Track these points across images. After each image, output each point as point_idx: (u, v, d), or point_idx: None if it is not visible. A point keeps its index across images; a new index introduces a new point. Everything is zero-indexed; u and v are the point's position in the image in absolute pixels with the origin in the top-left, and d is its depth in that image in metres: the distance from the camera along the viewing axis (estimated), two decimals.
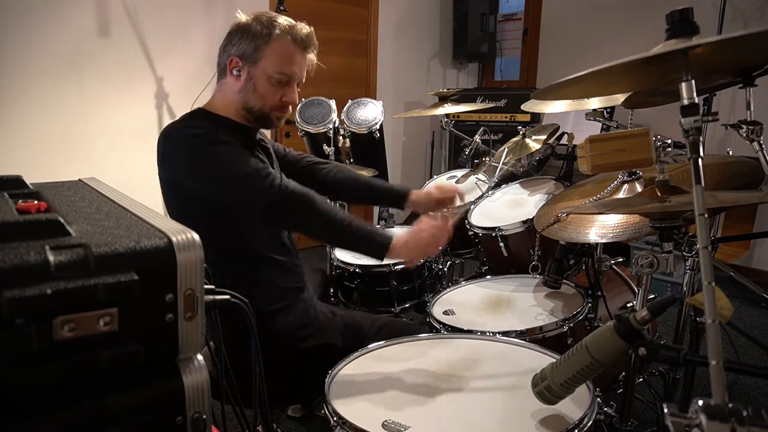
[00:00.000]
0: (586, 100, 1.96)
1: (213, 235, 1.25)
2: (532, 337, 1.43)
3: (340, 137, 2.60)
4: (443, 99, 2.74)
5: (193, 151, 1.31)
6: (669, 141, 1.19)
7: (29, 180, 0.86)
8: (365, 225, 1.30)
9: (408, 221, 4.22)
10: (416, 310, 2.04)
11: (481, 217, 2.17)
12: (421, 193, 1.63)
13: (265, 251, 1.44)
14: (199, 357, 0.70)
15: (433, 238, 1.31)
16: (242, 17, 1.41)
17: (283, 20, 1.40)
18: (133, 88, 2.89)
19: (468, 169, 2.67)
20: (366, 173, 2.52)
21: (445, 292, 1.77)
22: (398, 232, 1.34)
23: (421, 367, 1.21)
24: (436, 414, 1.03)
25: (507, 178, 2.36)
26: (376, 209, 4.24)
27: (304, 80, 1.46)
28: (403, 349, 1.30)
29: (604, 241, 1.47)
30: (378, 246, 1.28)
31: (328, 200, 1.35)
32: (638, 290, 1.26)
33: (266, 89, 1.40)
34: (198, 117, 1.42)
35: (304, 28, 1.41)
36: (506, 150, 2.36)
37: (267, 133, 1.64)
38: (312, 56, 1.45)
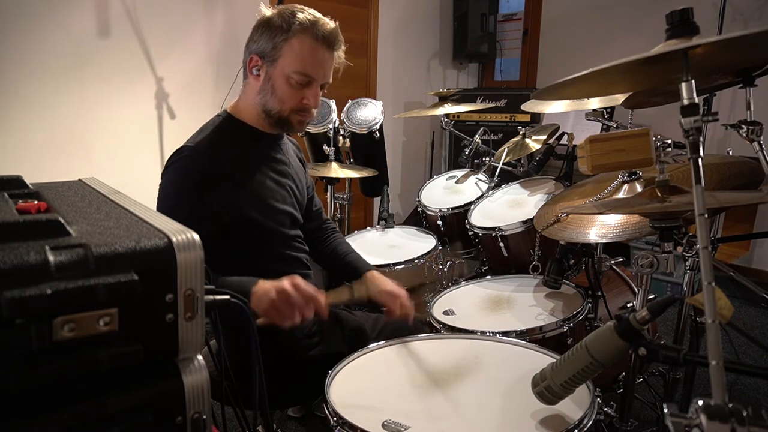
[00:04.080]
0: (586, 100, 1.96)
1: (211, 253, 1.25)
2: (532, 337, 1.43)
3: (340, 137, 2.60)
4: (443, 99, 2.74)
5: (164, 170, 1.30)
6: (669, 141, 1.19)
7: (29, 180, 0.86)
8: (235, 278, 1.21)
9: (408, 221, 4.22)
10: (416, 310, 2.03)
11: (481, 217, 2.17)
12: (375, 279, 1.47)
13: (270, 265, 1.40)
14: (199, 357, 0.70)
15: (285, 302, 1.12)
16: (266, 11, 1.32)
17: (306, 15, 1.30)
18: (133, 88, 2.89)
19: (468, 169, 2.67)
20: (366, 173, 2.53)
21: (445, 292, 1.77)
22: (267, 284, 1.15)
23: (422, 367, 1.21)
24: (436, 414, 1.03)
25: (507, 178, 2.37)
26: (375, 210, 4.24)
27: (330, 81, 1.37)
28: (404, 349, 1.30)
29: (604, 241, 1.47)
30: (244, 292, 1.13)
31: None
32: (638, 290, 1.26)
33: (285, 91, 1.31)
34: (211, 126, 1.36)
35: (328, 24, 1.31)
36: (506, 150, 2.36)
37: (289, 147, 1.55)
38: (339, 54, 1.37)
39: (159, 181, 1.35)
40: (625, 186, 1.49)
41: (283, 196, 1.42)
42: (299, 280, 1.16)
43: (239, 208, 1.31)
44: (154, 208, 0.78)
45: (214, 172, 1.27)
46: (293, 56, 1.29)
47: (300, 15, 1.29)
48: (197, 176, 1.26)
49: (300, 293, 1.14)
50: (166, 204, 1.26)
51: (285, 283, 1.14)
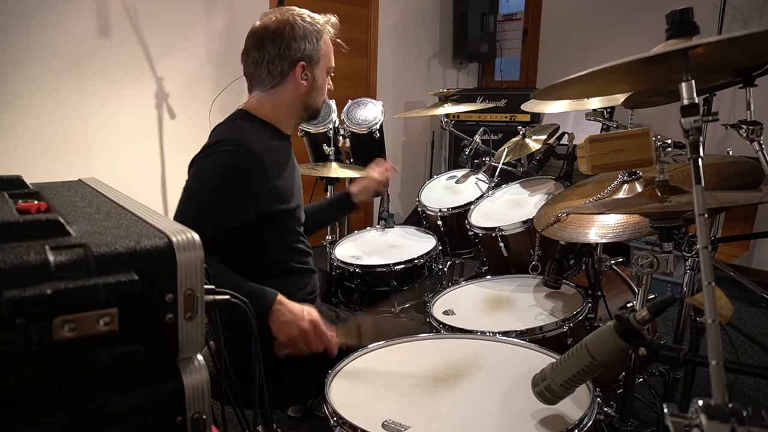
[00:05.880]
0: (586, 100, 1.96)
1: (227, 244, 1.30)
2: (532, 337, 1.43)
3: (340, 137, 2.60)
4: (443, 99, 2.74)
5: (199, 155, 1.33)
6: (669, 141, 1.19)
7: (29, 180, 0.86)
8: (257, 287, 1.27)
9: (408, 221, 4.22)
10: (416, 310, 2.04)
11: (481, 217, 2.17)
12: (361, 181, 1.83)
13: (281, 257, 1.46)
14: (199, 357, 0.70)
15: (303, 340, 1.24)
16: (293, 19, 1.39)
17: (317, 14, 1.44)
18: (133, 88, 2.89)
19: (468, 169, 2.67)
20: (365, 173, 2.52)
21: (445, 292, 1.77)
22: (296, 307, 1.27)
23: (421, 367, 1.21)
24: (436, 414, 1.03)
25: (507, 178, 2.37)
26: (375, 210, 4.23)
27: None
28: (403, 349, 1.30)
29: (604, 241, 1.47)
30: (263, 305, 1.24)
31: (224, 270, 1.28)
32: (638, 290, 1.26)
33: (324, 84, 1.49)
34: (244, 124, 1.40)
35: (333, 17, 1.48)
36: (506, 150, 2.36)
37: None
38: None
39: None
40: (625, 186, 1.49)
41: (299, 192, 1.53)
42: (317, 316, 1.27)
43: (267, 203, 1.37)
44: (155, 208, 0.78)
45: (253, 168, 1.32)
46: (328, 53, 1.47)
47: (316, 15, 1.44)
48: (237, 171, 1.30)
49: (317, 334, 1.25)
50: (201, 189, 1.29)
51: (305, 321, 1.24)
